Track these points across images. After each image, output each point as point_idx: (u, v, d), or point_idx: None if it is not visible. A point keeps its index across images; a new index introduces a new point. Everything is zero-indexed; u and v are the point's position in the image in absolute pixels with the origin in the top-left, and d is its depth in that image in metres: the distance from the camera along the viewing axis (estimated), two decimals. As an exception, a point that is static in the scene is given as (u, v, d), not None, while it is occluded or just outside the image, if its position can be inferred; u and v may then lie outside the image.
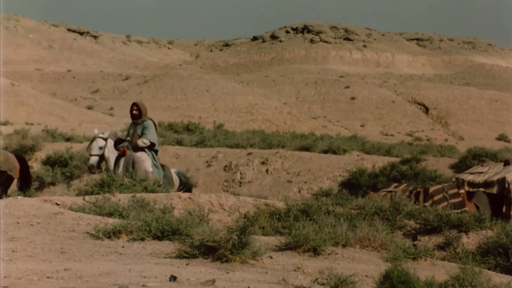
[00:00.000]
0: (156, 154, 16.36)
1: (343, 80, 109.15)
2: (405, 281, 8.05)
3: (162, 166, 16.56)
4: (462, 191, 18.04)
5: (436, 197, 17.74)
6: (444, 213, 14.03)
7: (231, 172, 31.33)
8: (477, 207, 17.92)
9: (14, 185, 28.48)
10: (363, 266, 9.98)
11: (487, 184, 18.19)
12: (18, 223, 10.60)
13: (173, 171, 16.94)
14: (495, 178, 18.31)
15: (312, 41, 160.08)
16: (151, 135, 16.14)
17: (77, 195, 15.66)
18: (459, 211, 17.53)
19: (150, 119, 16.36)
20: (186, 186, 16.57)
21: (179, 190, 16.15)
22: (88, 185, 15.87)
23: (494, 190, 18.00)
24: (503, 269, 11.74)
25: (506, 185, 17.95)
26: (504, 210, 17.93)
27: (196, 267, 8.71)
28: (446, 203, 17.53)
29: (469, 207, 17.84)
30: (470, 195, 18.18)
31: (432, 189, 18.31)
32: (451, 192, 18.02)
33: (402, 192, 18.31)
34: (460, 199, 18.14)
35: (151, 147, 16.23)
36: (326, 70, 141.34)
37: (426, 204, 17.55)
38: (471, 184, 18.35)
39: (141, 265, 8.62)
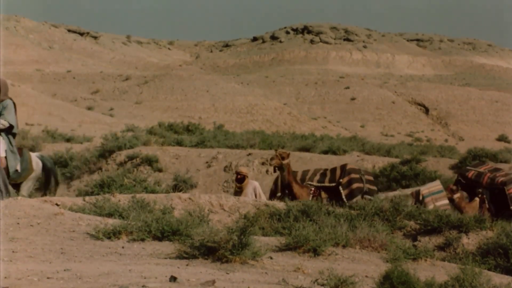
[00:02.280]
0: (14, 137, 14.76)
1: (343, 81, 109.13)
2: (405, 282, 8.06)
3: (20, 149, 15.06)
4: None
5: (353, 175, 17.80)
6: (444, 213, 14.04)
7: (231, 172, 31.32)
8: None
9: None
10: (363, 266, 9.98)
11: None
12: (18, 223, 10.60)
13: (35, 155, 15.51)
14: (409, 192, 18.66)
15: (312, 41, 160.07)
16: (10, 117, 14.44)
17: (77, 195, 15.67)
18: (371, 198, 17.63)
19: (10, 99, 14.68)
20: (51, 172, 15.23)
21: (45, 176, 15.09)
22: (88, 185, 15.89)
23: (408, 204, 18.24)
24: (503, 269, 11.75)
25: (421, 198, 18.18)
26: None
27: (196, 268, 8.71)
28: (361, 184, 17.63)
29: None
30: None
31: (349, 166, 18.34)
32: (367, 177, 18.12)
33: (314, 172, 18.33)
34: (375, 187, 18.27)
35: (9, 130, 14.55)
36: (326, 70, 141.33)
37: (342, 180, 17.65)
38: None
39: (141, 265, 8.62)
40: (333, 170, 18.14)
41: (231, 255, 9.01)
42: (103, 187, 14.69)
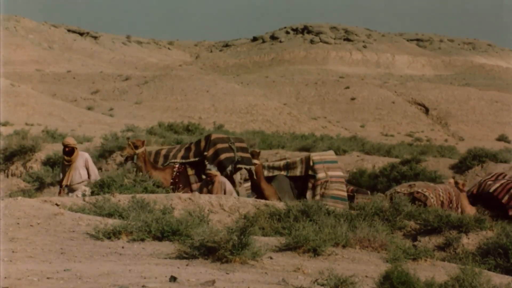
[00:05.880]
0: None
1: (343, 81, 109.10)
2: (405, 282, 8.06)
3: None
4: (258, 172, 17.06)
5: (220, 146, 16.70)
6: (444, 213, 14.04)
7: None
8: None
9: (14, 186, 28.53)
10: (363, 266, 9.98)
11: (288, 166, 17.42)
12: (18, 223, 10.61)
13: None
14: (298, 158, 17.55)
15: (312, 41, 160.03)
16: None
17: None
18: (248, 167, 16.70)
19: None
20: None
21: None
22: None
23: (298, 171, 17.27)
24: (503, 269, 11.75)
25: (311, 163, 17.20)
26: (309, 190, 17.03)
27: (196, 268, 8.71)
28: (231, 154, 16.64)
29: (267, 189, 16.91)
30: (270, 180, 17.28)
31: (214, 136, 17.09)
32: (239, 145, 17.00)
33: (180, 147, 17.12)
34: (248, 154, 17.11)
35: None
36: (326, 70, 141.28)
37: (206, 153, 16.51)
38: (271, 167, 17.55)
39: (141, 265, 8.62)
40: (198, 143, 16.92)
41: (231, 255, 9.01)
42: (103, 187, 14.67)
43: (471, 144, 58.23)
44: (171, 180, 16.40)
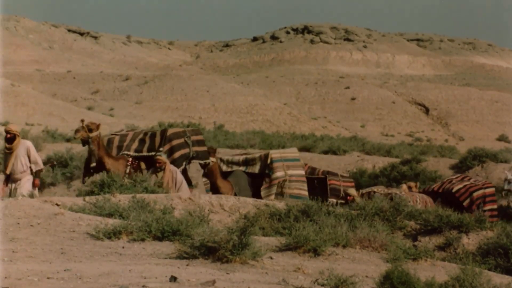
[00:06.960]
0: None
1: (343, 81, 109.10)
2: (405, 282, 8.06)
3: None
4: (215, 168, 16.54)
5: (175, 142, 16.17)
6: (444, 213, 14.04)
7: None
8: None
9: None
10: (363, 266, 9.98)
11: (247, 162, 16.95)
12: (18, 223, 10.61)
13: None
14: (258, 155, 16.93)
15: (312, 41, 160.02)
16: None
17: (78, 195, 15.64)
18: (203, 161, 16.11)
19: None
20: None
21: None
22: (89, 185, 15.86)
23: (256, 169, 16.77)
24: (504, 269, 11.75)
25: (269, 161, 16.63)
26: (264, 189, 16.52)
27: (196, 268, 8.71)
28: (186, 150, 16.17)
29: (223, 187, 16.48)
30: (227, 175, 16.81)
31: (171, 131, 16.48)
32: (195, 138, 16.43)
33: (133, 137, 16.47)
34: (204, 147, 16.58)
35: None
36: (326, 70, 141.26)
37: (162, 148, 15.99)
38: (230, 162, 17.06)
39: (142, 265, 8.62)
40: (153, 137, 16.35)
41: (231, 255, 9.00)
42: (103, 187, 14.65)
43: (471, 144, 58.23)
44: (126, 173, 15.92)
